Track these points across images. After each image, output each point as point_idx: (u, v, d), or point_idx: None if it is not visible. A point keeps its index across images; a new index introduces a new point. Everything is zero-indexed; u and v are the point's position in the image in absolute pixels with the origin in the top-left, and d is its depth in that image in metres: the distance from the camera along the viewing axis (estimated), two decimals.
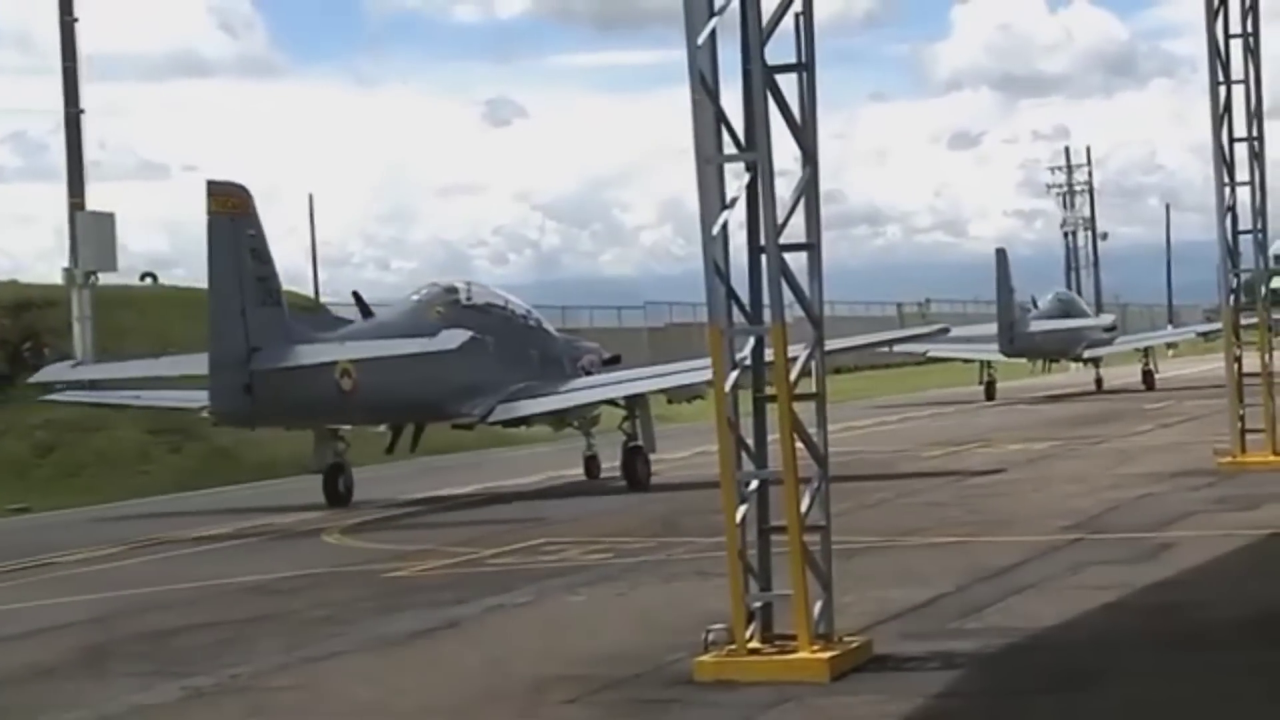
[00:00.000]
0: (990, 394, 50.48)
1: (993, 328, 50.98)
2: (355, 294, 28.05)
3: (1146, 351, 54.25)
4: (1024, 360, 53.26)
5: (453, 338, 24.53)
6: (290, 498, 27.45)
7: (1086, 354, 53.66)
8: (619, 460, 26.29)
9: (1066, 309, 55.37)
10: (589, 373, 28.04)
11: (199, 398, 25.89)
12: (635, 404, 26.48)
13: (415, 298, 27.18)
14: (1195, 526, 17.36)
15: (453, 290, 27.16)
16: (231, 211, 23.36)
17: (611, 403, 27.01)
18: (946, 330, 37.60)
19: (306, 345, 24.16)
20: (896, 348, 54.09)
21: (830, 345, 35.33)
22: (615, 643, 12.46)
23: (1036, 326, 51.46)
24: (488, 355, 26.09)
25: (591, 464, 27.40)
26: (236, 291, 23.19)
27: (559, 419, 27.63)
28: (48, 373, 30.06)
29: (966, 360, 53.86)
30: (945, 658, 11.09)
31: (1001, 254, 50.14)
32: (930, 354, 57.19)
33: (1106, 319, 57.89)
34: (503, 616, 14.26)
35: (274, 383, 23.34)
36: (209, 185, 23.49)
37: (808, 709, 10.06)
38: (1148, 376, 52.07)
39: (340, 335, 25.54)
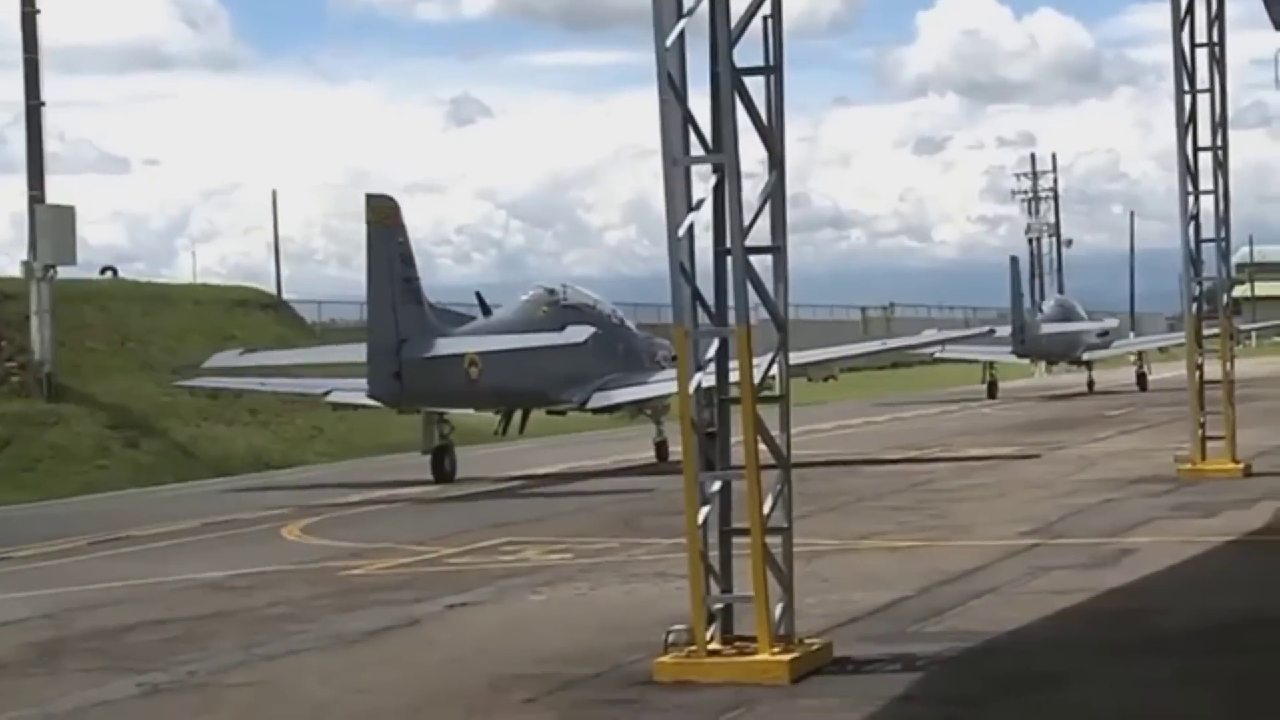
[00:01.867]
0: (992, 393, 52.74)
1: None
2: (478, 294, 30.44)
3: (1140, 355, 57.29)
4: (1027, 361, 55.33)
5: (579, 333, 27.75)
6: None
7: (1085, 356, 55.99)
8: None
9: (1066, 313, 58.05)
10: (662, 366, 30.22)
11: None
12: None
13: (524, 298, 30.27)
14: (1154, 533, 17.44)
15: (553, 292, 30.29)
16: (385, 221, 26.26)
17: None
18: (992, 332, 41.68)
19: (444, 338, 27.08)
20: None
21: (890, 344, 39.57)
22: (575, 642, 12.44)
23: (1045, 330, 53.94)
24: (585, 349, 28.51)
25: (661, 448, 29.83)
26: (389, 291, 26.13)
27: (638, 407, 30.46)
28: (218, 359, 32.26)
29: (970, 361, 56.19)
30: (905, 660, 11.11)
31: (1014, 261, 53.27)
32: (936, 355, 59.16)
33: (1111, 322, 60.09)
34: (462, 616, 14.21)
35: (418, 370, 26.36)
36: (368, 199, 26.35)
37: (767, 711, 10.06)
38: (1141, 379, 54.63)
39: (468, 330, 28.40)
